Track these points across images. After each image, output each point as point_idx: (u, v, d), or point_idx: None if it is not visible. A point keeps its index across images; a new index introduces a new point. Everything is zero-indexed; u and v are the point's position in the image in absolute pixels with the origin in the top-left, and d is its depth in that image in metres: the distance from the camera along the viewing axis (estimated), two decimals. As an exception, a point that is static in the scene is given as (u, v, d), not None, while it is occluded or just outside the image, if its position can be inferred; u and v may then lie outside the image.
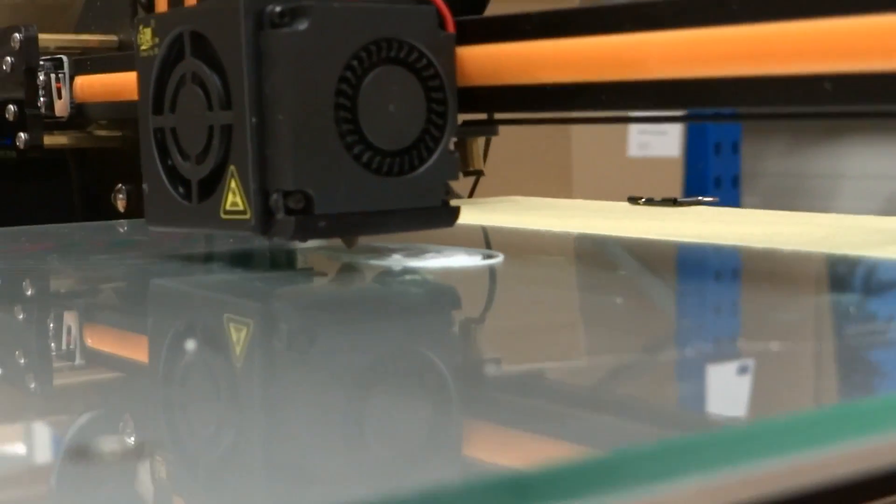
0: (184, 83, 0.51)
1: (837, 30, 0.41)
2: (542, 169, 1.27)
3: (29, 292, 0.53)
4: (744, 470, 0.26)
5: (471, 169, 0.54)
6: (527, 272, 0.55)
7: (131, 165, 0.78)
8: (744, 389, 0.34)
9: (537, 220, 0.72)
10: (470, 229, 0.66)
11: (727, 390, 0.33)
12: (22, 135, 0.76)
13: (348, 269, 0.54)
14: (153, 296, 0.52)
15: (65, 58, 0.76)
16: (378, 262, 0.53)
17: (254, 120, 0.47)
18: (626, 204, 0.80)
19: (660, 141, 1.41)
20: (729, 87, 0.44)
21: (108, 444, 0.28)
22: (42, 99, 0.76)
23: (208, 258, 0.60)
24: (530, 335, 0.43)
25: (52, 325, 0.47)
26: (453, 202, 0.51)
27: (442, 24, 0.50)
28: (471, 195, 0.83)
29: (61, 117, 0.76)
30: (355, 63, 0.48)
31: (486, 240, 0.66)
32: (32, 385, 0.37)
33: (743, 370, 0.36)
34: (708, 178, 1.50)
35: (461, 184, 0.71)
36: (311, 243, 0.57)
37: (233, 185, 0.49)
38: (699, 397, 0.33)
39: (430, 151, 0.50)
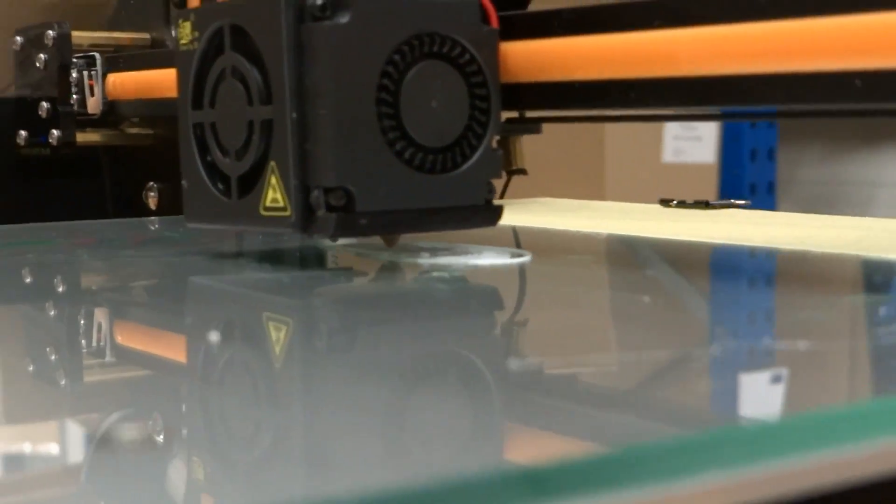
0: (223, 78, 0.50)
1: (866, 26, 0.40)
2: (575, 173, 1.25)
3: (62, 288, 0.53)
4: (765, 467, 0.26)
5: (513, 168, 0.53)
6: (553, 270, 0.54)
7: (163, 163, 0.78)
8: (767, 388, 0.33)
9: (567, 220, 0.71)
10: (500, 229, 0.66)
11: (752, 389, 0.33)
12: (55, 132, 0.76)
13: (376, 267, 0.53)
14: (193, 294, 0.51)
15: (97, 55, 0.75)
16: (406, 259, 0.52)
17: (294, 115, 0.46)
18: (658, 206, 0.79)
19: (695, 147, 1.39)
20: (758, 84, 0.44)
21: (140, 437, 0.27)
22: (75, 96, 0.75)
23: (238, 256, 0.60)
24: (554, 333, 0.42)
25: (97, 322, 0.46)
26: (496, 201, 0.50)
27: (485, 18, 0.49)
28: (502, 196, 0.82)
29: (94, 114, 0.75)
30: (397, 57, 0.47)
31: (515, 239, 0.65)
32: (73, 381, 0.36)
33: (767, 369, 0.35)
34: (743, 185, 1.48)
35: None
36: (342, 240, 0.56)
37: (273, 181, 0.48)
38: (722, 395, 0.33)
39: (473, 149, 0.49)
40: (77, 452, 0.29)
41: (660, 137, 1.37)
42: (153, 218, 0.77)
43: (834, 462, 0.27)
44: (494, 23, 0.49)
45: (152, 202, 0.78)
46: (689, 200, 0.79)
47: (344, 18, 0.46)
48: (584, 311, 0.47)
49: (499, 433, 0.29)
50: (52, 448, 0.29)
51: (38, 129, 0.77)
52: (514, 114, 0.53)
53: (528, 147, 0.73)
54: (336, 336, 0.41)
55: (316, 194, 0.47)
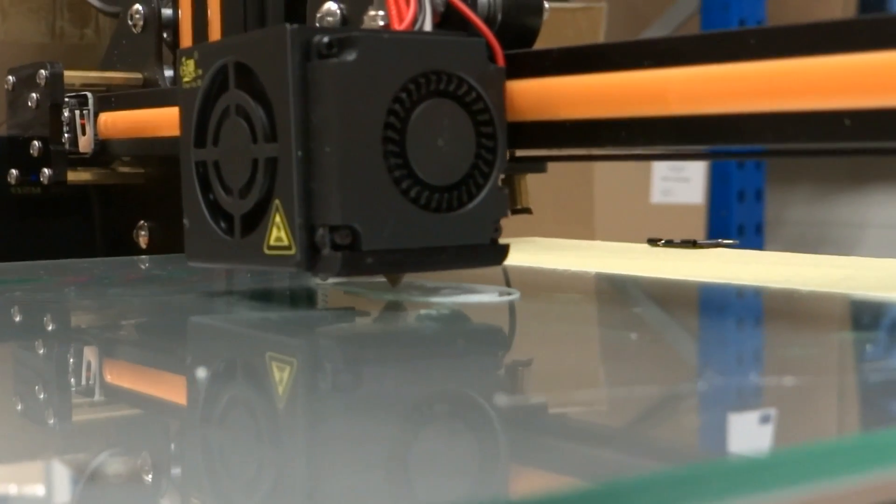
0: (227, 115, 0.49)
1: (855, 66, 0.40)
2: (565, 213, 1.25)
3: (52, 327, 0.52)
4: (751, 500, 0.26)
5: (518, 207, 0.53)
6: (541, 308, 0.54)
7: (154, 202, 0.78)
8: (755, 424, 0.33)
9: (556, 259, 0.71)
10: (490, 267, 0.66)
11: (740, 424, 0.33)
12: (46, 170, 0.75)
13: (363, 305, 0.52)
14: (194, 333, 0.50)
15: (89, 94, 0.75)
16: (397, 298, 0.52)
17: (300, 153, 0.46)
18: (646, 245, 0.79)
19: (683, 188, 1.39)
20: (748, 123, 0.44)
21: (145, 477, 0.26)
22: (66, 135, 0.75)
23: (229, 294, 0.59)
24: (546, 371, 0.42)
25: (98, 363, 0.45)
26: (501, 240, 0.49)
27: (492, 56, 0.49)
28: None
29: (85, 153, 0.75)
30: (404, 95, 0.47)
31: (505, 277, 0.65)
32: (64, 422, 0.35)
33: (755, 405, 0.35)
34: (731, 226, 1.48)
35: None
36: (332, 279, 0.56)
37: (277, 219, 0.47)
38: (710, 431, 0.33)
39: (480, 187, 0.48)
40: (76, 494, 0.28)
41: (648, 178, 1.37)
42: (144, 256, 0.76)
43: (822, 495, 0.27)
44: (501, 61, 0.49)
45: (143, 241, 0.77)
46: (677, 240, 0.78)
47: (350, 56, 0.45)
48: (575, 348, 0.46)
49: (498, 470, 0.29)
50: (63, 493, 0.28)
51: (30, 167, 0.76)
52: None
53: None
54: (332, 374, 0.40)
55: (321, 233, 0.46)
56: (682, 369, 0.43)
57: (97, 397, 0.38)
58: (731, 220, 1.49)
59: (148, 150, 0.73)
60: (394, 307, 0.52)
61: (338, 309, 0.55)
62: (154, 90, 0.74)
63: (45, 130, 0.75)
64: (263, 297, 0.58)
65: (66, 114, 0.74)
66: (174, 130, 0.69)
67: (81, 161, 0.76)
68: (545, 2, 0.52)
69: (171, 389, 0.41)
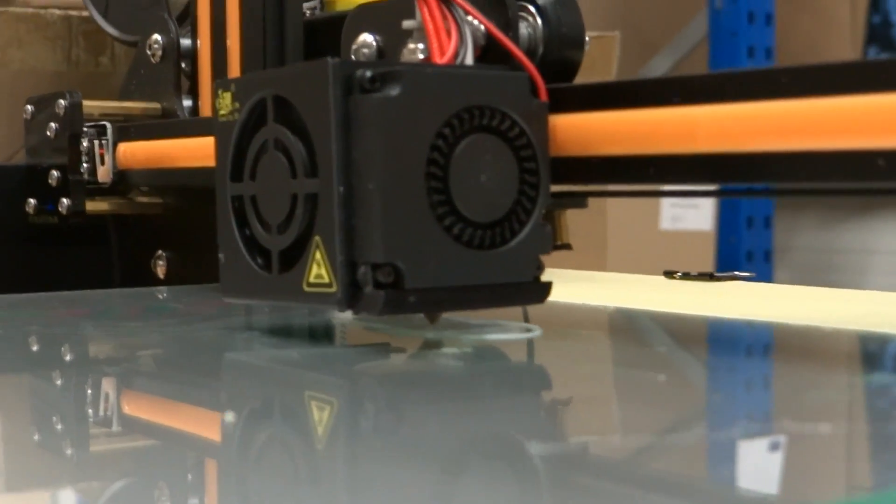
0: (265, 150, 0.48)
1: (890, 106, 0.39)
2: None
3: (70, 358, 0.51)
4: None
5: (559, 243, 0.52)
6: (565, 346, 0.54)
7: (171, 232, 0.77)
8: (776, 470, 0.33)
9: (572, 291, 0.70)
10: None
11: (761, 470, 0.33)
12: (65, 200, 0.74)
13: (385, 343, 0.52)
14: (228, 369, 0.49)
15: (108, 124, 0.74)
16: (415, 334, 0.51)
17: (341, 189, 0.45)
18: (662, 278, 0.78)
19: (692, 214, 1.39)
20: (780, 161, 0.43)
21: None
22: (85, 165, 0.74)
23: (254, 330, 0.58)
24: (576, 413, 0.41)
25: (128, 400, 0.44)
26: (544, 278, 0.48)
27: (535, 91, 0.48)
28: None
29: (104, 183, 0.74)
30: (447, 131, 0.46)
31: (523, 312, 0.64)
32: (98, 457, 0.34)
33: (776, 450, 0.35)
34: (740, 253, 1.48)
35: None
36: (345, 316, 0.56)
37: (318, 256, 0.46)
38: (729, 476, 0.33)
39: (522, 224, 0.47)
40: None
41: (658, 204, 1.37)
42: (162, 287, 0.75)
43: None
44: (544, 96, 0.48)
45: (161, 271, 0.76)
46: (693, 272, 0.78)
47: (394, 91, 0.45)
48: (604, 390, 0.46)
49: None
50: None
51: (48, 197, 0.75)
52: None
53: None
54: (373, 415, 0.39)
55: (363, 270, 0.45)
56: (717, 415, 0.42)
57: (124, 433, 0.38)
58: (740, 247, 1.48)
59: (167, 180, 0.72)
60: (421, 345, 0.51)
61: (365, 346, 0.55)
62: (173, 121, 0.73)
63: (63, 160, 0.74)
64: (288, 332, 0.57)
65: (84, 143, 0.74)
66: (193, 161, 0.69)
67: (99, 191, 0.75)
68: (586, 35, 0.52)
69: (209, 427, 0.40)
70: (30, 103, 0.78)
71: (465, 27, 0.48)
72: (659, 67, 1.53)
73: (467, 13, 0.48)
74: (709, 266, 1.36)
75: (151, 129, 0.73)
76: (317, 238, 0.46)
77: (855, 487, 0.32)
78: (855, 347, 0.54)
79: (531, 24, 0.52)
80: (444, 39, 0.48)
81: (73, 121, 0.74)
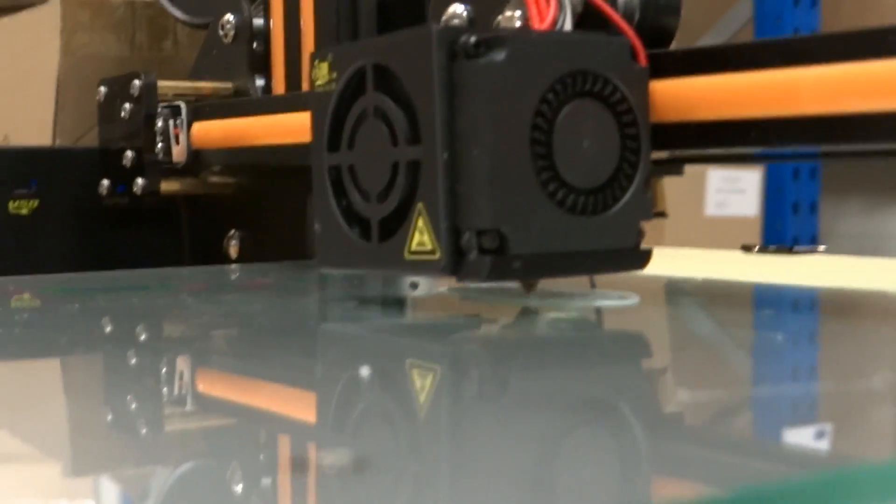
0: (364, 118, 0.49)
1: None
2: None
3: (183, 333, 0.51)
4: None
5: (654, 210, 0.52)
6: (665, 312, 0.54)
7: (244, 212, 0.77)
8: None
9: (654, 267, 0.70)
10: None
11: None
12: (140, 180, 0.75)
13: (481, 312, 0.51)
14: (326, 339, 0.49)
15: (182, 104, 0.74)
16: (511, 302, 0.51)
17: (445, 155, 0.45)
18: (739, 252, 0.78)
19: (737, 199, 1.39)
20: (885, 121, 0.43)
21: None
22: (160, 145, 0.74)
23: (347, 301, 0.58)
24: (681, 373, 0.41)
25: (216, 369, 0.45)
26: (643, 245, 0.48)
27: (634, 56, 0.48)
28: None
29: (178, 163, 0.74)
30: (551, 96, 0.46)
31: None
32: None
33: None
34: (786, 238, 1.47)
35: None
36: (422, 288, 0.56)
37: (420, 223, 0.46)
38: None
39: (624, 190, 0.48)
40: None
41: (703, 190, 1.36)
42: (234, 266, 0.76)
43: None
44: (644, 61, 0.48)
45: (233, 250, 0.77)
46: (772, 246, 0.78)
47: (499, 56, 0.45)
48: (716, 350, 0.46)
49: (642, 477, 0.28)
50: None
51: (122, 178, 0.76)
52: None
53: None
54: (478, 382, 0.39)
55: (468, 237, 0.45)
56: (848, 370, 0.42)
57: (227, 402, 0.38)
58: (786, 232, 1.48)
59: (242, 158, 0.73)
60: (519, 313, 0.51)
61: (460, 315, 0.55)
62: (249, 99, 0.74)
63: (138, 140, 0.75)
64: (380, 303, 0.57)
65: (159, 124, 0.74)
66: (269, 139, 0.69)
67: (172, 171, 0.76)
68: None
69: (321, 396, 0.40)
70: (103, 85, 0.78)
71: (564, -6, 0.48)
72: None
73: (565, -20, 0.48)
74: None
75: (227, 107, 0.73)
76: (419, 205, 0.46)
77: None
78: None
79: (625, -9, 0.53)
80: (544, 6, 0.48)
81: (148, 101, 0.74)
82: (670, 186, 1.34)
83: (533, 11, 0.48)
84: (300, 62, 0.72)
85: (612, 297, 0.54)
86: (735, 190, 1.38)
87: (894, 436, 0.32)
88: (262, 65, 0.75)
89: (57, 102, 0.90)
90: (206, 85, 0.77)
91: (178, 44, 0.90)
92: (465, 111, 0.45)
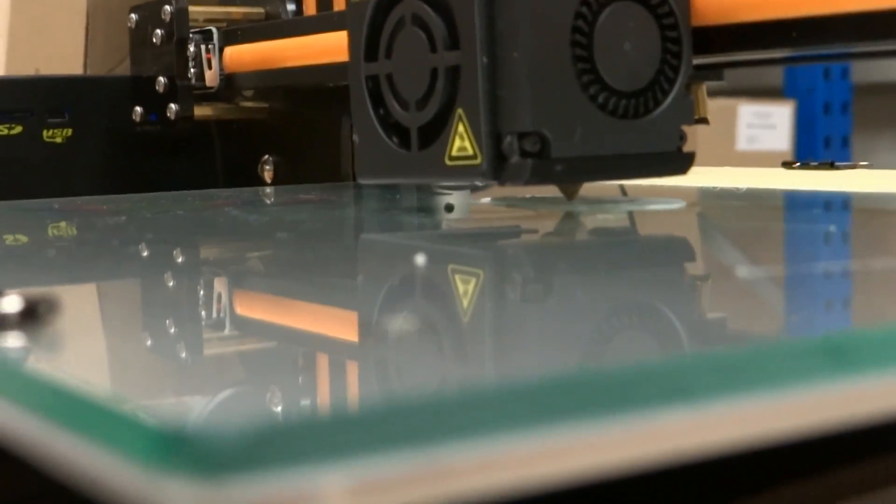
0: (402, 26, 0.48)
1: None
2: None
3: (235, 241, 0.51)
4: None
5: (696, 117, 0.52)
6: (713, 216, 0.54)
7: (278, 136, 0.77)
8: None
9: (692, 180, 0.70)
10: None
11: None
12: (173, 106, 0.74)
13: (530, 217, 0.51)
14: (366, 249, 0.49)
15: (214, 29, 0.74)
16: (553, 208, 0.51)
17: (485, 59, 0.45)
18: (781, 169, 0.78)
19: (769, 135, 1.38)
20: None
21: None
22: (192, 70, 0.74)
23: (386, 211, 0.58)
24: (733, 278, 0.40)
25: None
26: (686, 148, 0.48)
27: (674, -41, 0.48)
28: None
29: (211, 88, 0.74)
30: (591, -1, 0.45)
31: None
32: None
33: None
34: (818, 173, 1.47)
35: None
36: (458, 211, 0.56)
37: (460, 129, 0.46)
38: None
39: (665, 94, 0.47)
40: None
41: (734, 125, 1.36)
42: (269, 188, 0.76)
43: None
44: (684, -37, 0.48)
45: (268, 175, 0.77)
46: (813, 162, 0.78)
47: (539, -42, 0.44)
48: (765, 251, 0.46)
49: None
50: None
51: (154, 105, 0.76)
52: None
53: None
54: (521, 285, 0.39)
55: (509, 140, 0.45)
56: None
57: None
58: (818, 167, 1.47)
59: (276, 81, 0.72)
60: (562, 218, 0.51)
61: (503, 221, 0.55)
62: (281, 21, 0.74)
63: (170, 66, 0.75)
64: (422, 210, 0.57)
65: (191, 49, 0.74)
66: (303, 59, 0.69)
67: (205, 97, 0.75)
68: None
69: (365, 298, 0.40)
70: (134, 12, 0.78)
71: None
72: None
73: None
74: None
75: (258, 31, 0.73)
76: (459, 111, 0.46)
77: None
78: None
79: None
80: None
81: (180, 26, 0.74)
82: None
83: (572, -86, 0.48)
84: (331, -16, 0.71)
85: (657, 202, 0.53)
86: (766, 126, 1.38)
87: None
88: (292, -12, 0.74)
89: (87, 35, 0.90)
90: (237, 10, 0.76)
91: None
92: (504, 14, 0.45)
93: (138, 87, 0.76)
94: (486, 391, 0.21)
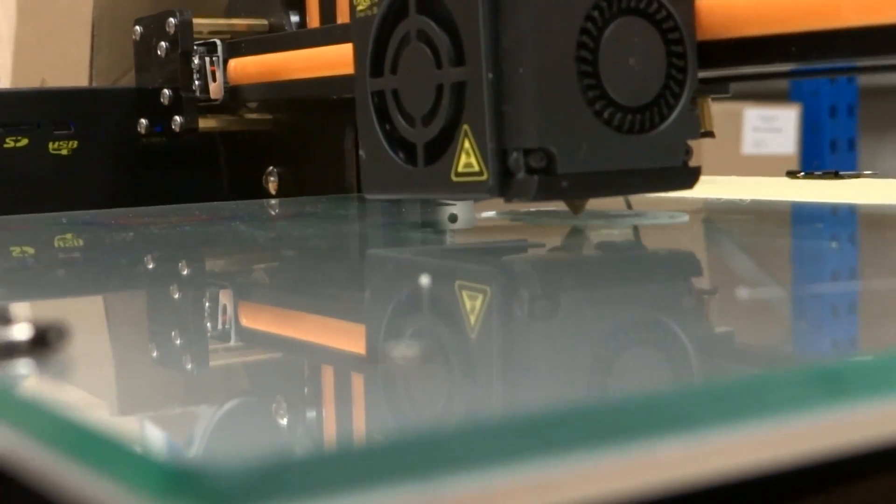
0: (407, 42, 0.48)
1: None
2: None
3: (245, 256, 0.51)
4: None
5: (702, 130, 0.51)
6: (718, 230, 0.54)
7: (282, 148, 0.77)
8: None
9: (699, 191, 0.70)
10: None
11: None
12: (177, 118, 0.75)
13: (529, 234, 0.52)
14: (373, 265, 0.49)
15: (218, 41, 0.74)
16: (559, 223, 0.51)
17: (490, 75, 0.45)
18: (785, 178, 0.78)
19: (774, 138, 1.38)
20: None
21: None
22: (196, 82, 0.74)
23: (389, 227, 0.58)
24: (737, 292, 0.40)
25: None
26: (692, 163, 0.48)
27: (680, -27, 0.47)
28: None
29: (216, 100, 0.74)
30: (596, 14, 0.45)
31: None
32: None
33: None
34: (824, 176, 1.47)
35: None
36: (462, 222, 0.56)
37: (466, 145, 0.46)
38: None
39: (671, 108, 0.47)
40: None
41: (740, 129, 1.36)
42: (273, 200, 0.76)
43: None
44: (689, -23, 0.47)
45: (272, 187, 0.77)
46: (817, 171, 0.78)
47: (544, -27, 0.44)
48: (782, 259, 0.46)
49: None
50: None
51: (159, 117, 0.76)
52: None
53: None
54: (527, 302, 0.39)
55: (515, 156, 0.45)
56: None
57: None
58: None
59: (280, 93, 0.72)
60: (568, 234, 0.51)
61: (509, 238, 0.55)
62: (284, 33, 0.74)
63: (174, 78, 0.75)
64: (426, 226, 0.57)
65: (196, 61, 0.74)
66: (307, 72, 0.69)
67: (209, 109, 0.76)
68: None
69: (371, 315, 0.40)
70: (138, 24, 0.78)
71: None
72: None
73: None
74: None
75: (262, 43, 0.73)
76: (465, 127, 0.46)
77: None
78: None
79: None
80: (588, -76, 0.48)
81: (184, 38, 0.74)
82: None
83: (576, -71, 0.47)
84: (334, -4, 0.71)
85: (661, 216, 0.53)
86: (772, 129, 1.37)
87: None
88: (296, 0, 0.75)
89: (93, 45, 0.90)
90: (241, 22, 0.77)
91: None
92: (509, 30, 0.45)
93: (143, 98, 0.77)
94: (490, 425, 0.21)
